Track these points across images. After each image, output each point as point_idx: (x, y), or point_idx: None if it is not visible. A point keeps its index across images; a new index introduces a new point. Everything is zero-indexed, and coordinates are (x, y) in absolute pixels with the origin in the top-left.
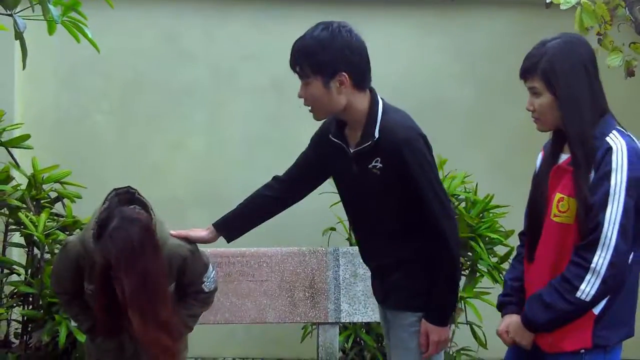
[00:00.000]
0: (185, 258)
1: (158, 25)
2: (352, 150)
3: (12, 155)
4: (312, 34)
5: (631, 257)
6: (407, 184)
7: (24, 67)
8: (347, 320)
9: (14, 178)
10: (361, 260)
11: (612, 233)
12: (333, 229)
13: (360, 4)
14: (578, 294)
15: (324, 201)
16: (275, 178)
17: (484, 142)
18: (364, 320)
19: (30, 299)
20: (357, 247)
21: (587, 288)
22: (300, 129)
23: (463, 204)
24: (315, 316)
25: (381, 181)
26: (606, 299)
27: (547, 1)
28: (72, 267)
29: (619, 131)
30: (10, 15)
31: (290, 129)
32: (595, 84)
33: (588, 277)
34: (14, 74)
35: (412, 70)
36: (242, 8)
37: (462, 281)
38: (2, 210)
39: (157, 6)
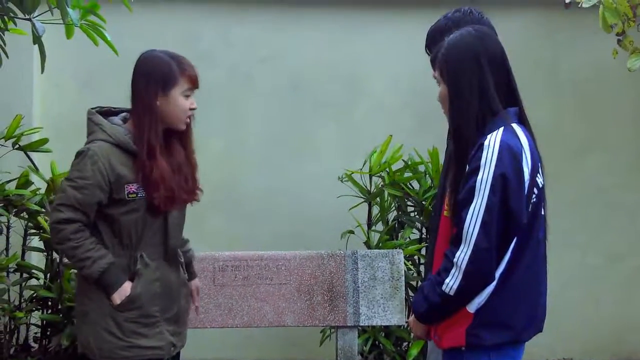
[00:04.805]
0: None
1: (176, 27)
2: None
3: (30, 159)
4: (446, 15)
5: (506, 259)
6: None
7: (42, 71)
8: (366, 324)
9: (32, 182)
10: (380, 264)
11: (473, 229)
12: (351, 232)
13: (377, 5)
14: (443, 287)
15: (343, 204)
16: None
17: None
18: (382, 324)
19: (50, 303)
20: (375, 250)
21: (451, 282)
22: (317, 130)
23: None
24: (333, 319)
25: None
26: (483, 297)
27: (567, 1)
28: (107, 173)
29: (506, 129)
30: (29, 19)
31: (307, 130)
32: (488, 80)
33: (452, 271)
34: (33, 77)
35: (430, 71)
36: (259, 9)
37: None
38: (22, 215)
39: (175, 8)
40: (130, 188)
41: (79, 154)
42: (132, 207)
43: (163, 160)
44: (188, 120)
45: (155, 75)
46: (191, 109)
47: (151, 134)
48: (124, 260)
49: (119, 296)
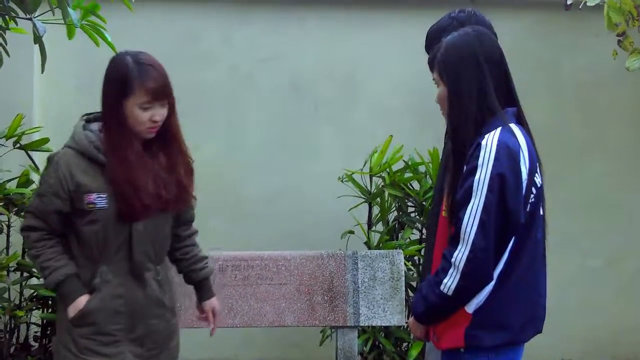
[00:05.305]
0: None
1: (177, 27)
2: None
3: (31, 159)
4: (450, 14)
5: (505, 259)
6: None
7: (43, 71)
8: (366, 324)
9: (33, 181)
10: (380, 264)
11: (471, 228)
12: (352, 232)
13: (378, 5)
14: (441, 287)
15: (343, 205)
16: None
17: None
18: (382, 324)
19: (50, 302)
20: (375, 250)
21: (449, 282)
22: (318, 130)
23: None
24: (333, 320)
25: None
26: (481, 298)
27: (569, 3)
28: (66, 181)
29: (503, 129)
30: (30, 19)
31: (308, 130)
32: (487, 80)
33: (450, 271)
34: (33, 77)
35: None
36: (260, 10)
37: None
38: (22, 214)
39: (176, 9)
40: (90, 198)
41: (47, 160)
42: (92, 218)
43: (133, 167)
44: (152, 131)
45: (115, 82)
46: (153, 121)
47: (117, 141)
48: (88, 273)
49: (72, 310)
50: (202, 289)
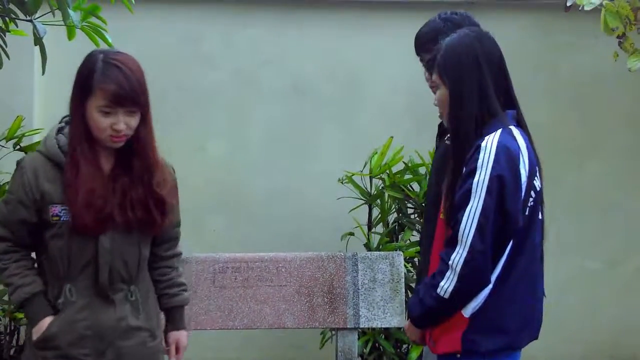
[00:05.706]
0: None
1: (178, 29)
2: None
3: None
4: (440, 16)
5: (502, 262)
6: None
7: (43, 72)
8: (366, 326)
9: None
10: (380, 266)
11: (469, 231)
12: (352, 234)
13: (378, 8)
14: (438, 289)
15: (343, 206)
16: None
17: None
18: (382, 326)
19: None
20: (375, 252)
21: (446, 285)
22: (319, 132)
23: None
24: (334, 321)
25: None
26: (478, 302)
27: (568, 5)
28: (30, 188)
29: (503, 131)
30: (30, 20)
31: (310, 132)
32: (488, 82)
33: (448, 273)
34: (34, 79)
35: None
36: (261, 12)
37: None
38: None
39: (177, 10)
40: (54, 210)
41: (16, 165)
42: (56, 232)
43: (84, 174)
44: (115, 140)
45: (80, 81)
46: (115, 130)
47: (75, 144)
48: (55, 291)
49: (35, 332)
50: (172, 317)
